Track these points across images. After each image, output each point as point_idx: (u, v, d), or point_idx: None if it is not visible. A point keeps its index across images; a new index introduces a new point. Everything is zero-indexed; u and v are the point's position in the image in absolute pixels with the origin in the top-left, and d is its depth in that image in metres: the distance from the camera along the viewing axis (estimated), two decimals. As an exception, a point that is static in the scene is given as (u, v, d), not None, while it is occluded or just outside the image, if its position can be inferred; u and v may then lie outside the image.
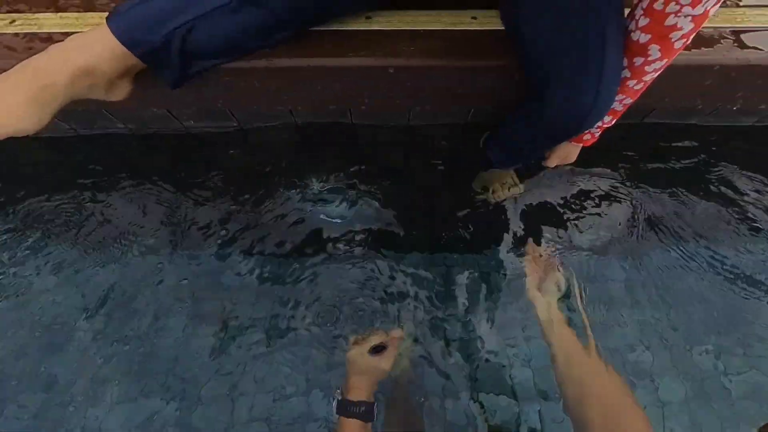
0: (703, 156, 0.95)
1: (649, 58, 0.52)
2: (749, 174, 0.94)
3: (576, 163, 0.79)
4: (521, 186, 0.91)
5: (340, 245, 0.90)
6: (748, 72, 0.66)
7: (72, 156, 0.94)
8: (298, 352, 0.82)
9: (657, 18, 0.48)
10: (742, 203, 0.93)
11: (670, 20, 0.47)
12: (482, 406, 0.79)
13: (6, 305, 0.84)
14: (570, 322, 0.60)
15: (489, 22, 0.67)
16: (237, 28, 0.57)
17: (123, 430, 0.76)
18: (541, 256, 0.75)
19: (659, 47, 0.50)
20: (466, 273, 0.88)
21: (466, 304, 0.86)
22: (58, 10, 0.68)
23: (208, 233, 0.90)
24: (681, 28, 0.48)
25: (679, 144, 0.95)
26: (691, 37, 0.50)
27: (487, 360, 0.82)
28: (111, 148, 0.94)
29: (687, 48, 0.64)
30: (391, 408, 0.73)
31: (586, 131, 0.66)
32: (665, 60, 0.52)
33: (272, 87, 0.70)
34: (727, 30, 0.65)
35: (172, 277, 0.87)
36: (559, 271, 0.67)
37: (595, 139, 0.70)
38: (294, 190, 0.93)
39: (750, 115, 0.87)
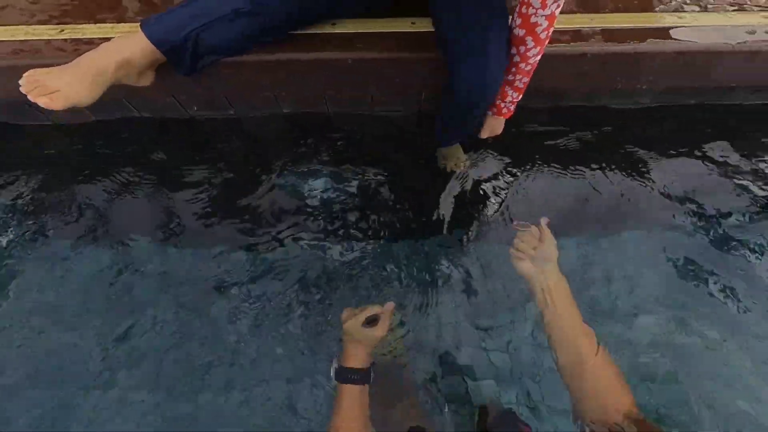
0: (610, 132, 1.16)
1: (528, 47, 0.74)
2: (648, 146, 1.16)
3: (502, 138, 0.99)
4: (467, 160, 1.13)
5: (320, 224, 1.04)
6: (617, 60, 0.89)
7: (90, 141, 1.13)
8: (294, 327, 0.90)
9: (524, 18, 0.70)
10: (643, 172, 1.13)
11: (533, 19, 0.69)
12: (469, 387, 0.85)
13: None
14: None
15: (425, 26, 0.89)
16: (234, 33, 0.78)
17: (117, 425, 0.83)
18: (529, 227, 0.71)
19: (532, 38, 0.72)
20: (446, 255, 0.99)
21: (451, 283, 0.96)
22: (96, 21, 0.90)
23: (199, 217, 1.03)
24: (541, 25, 0.70)
25: (588, 123, 1.17)
26: (551, 30, 0.71)
27: (475, 341, 0.89)
28: (125, 134, 1.13)
29: (566, 41, 0.87)
30: (380, 390, 0.72)
31: (503, 106, 0.87)
32: (539, 47, 0.74)
33: (260, 77, 0.91)
34: (598, 29, 0.88)
35: (164, 261, 0.97)
36: (550, 239, 0.64)
37: (511, 113, 0.91)
38: (279, 170, 1.10)
39: (641, 95, 1.10)
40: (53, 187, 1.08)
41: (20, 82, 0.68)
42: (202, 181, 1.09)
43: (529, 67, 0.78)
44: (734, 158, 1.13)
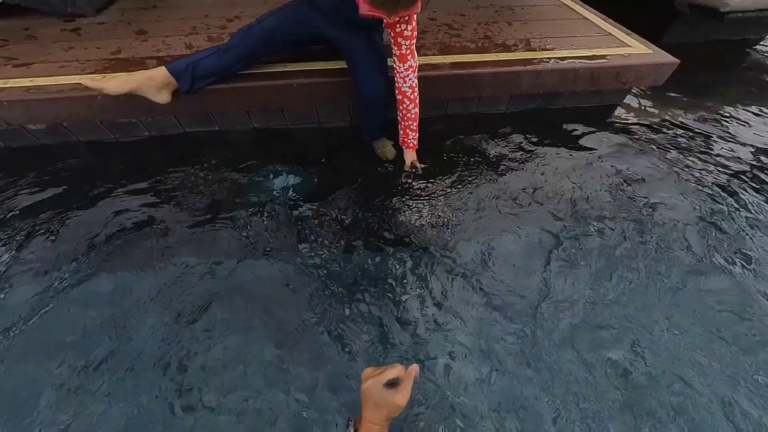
0: (481, 130, 1.68)
1: (407, 105, 1.26)
2: (509, 141, 1.67)
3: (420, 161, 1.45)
4: (394, 151, 1.57)
5: (286, 229, 1.35)
6: (459, 80, 1.44)
7: (111, 156, 1.54)
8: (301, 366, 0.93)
9: (400, 78, 1.22)
10: (521, 164, 1.62)
11: (402, 76, 1.21)
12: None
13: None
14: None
15: (343, 64, 1.43)
16: (219, 64, 1.28)
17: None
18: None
19: (408, 100, 1.24)
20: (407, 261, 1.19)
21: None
22: (128, 70, 1.39)
23: (182, 225, 1.34)
24: (413, 87, 1.22)
25: (467, 125, 1.69)
26: (415, 92, 1.24)
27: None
28: (137, 148, 1.55)
29: (430, 70, 1.42)
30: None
31: (409, 142, 1.34)
32: (413, 104, 1.25)
33: (235, 100, 1.40)
34: (447, 62, 1.46)
35: (145, 286, 1.10)
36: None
37: (416, 146, 1.37)
38: (252, 173, 1.52)
39: (497, 103, 1.66)
40: (77, 194, 1.43)
41: (85, 82, 1.17)
42: (188, 183, 1.49)
43: (412, 116, 1.29)
44: (562, 148, 1.65)
